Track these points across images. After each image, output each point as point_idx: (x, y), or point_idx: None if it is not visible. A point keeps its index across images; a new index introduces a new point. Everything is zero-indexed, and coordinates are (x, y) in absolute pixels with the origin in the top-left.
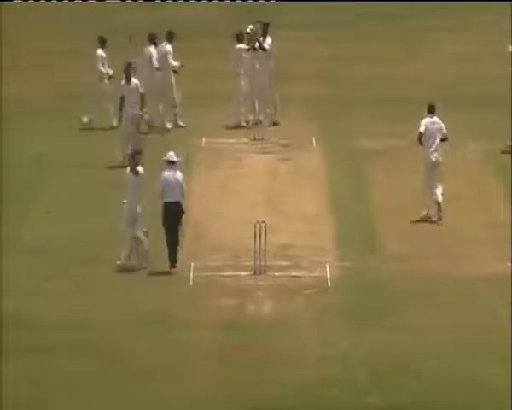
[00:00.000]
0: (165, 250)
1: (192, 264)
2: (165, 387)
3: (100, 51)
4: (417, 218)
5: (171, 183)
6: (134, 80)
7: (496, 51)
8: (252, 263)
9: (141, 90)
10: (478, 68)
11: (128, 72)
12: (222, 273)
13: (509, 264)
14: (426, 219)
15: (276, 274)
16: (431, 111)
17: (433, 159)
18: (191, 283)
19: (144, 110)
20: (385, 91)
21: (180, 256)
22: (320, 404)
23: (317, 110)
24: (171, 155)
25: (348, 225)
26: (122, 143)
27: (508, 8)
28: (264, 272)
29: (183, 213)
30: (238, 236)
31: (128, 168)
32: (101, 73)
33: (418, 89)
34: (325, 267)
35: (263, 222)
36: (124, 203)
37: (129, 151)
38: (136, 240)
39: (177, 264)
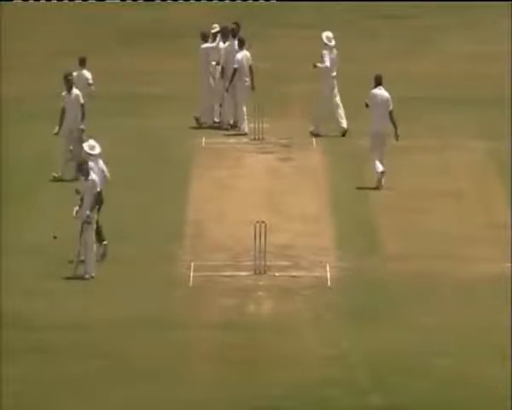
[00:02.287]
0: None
1: (192, 264)
2: (165, 387)
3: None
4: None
5: (93, 172)
6: (75, 91)
7: (501, 51)
8: (252, 263)
9: (81, 101)
10: (483, 68)
11: (68, 82)
12: (222, 273)
13: (509, 264)
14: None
15: (276, 274)
16: (378, 83)
17: (381, 129)
18: (191, 283)
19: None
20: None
21: (180, 256)
22: (320, 404)
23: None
24: (92, 147)
25: (348, 225)
26: (62, 157)
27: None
28: (264, 272)
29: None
30: (238, 236)
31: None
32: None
33: (421, 88)
34: (325, 267)
35: (263, 222)
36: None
37: (71, 162)
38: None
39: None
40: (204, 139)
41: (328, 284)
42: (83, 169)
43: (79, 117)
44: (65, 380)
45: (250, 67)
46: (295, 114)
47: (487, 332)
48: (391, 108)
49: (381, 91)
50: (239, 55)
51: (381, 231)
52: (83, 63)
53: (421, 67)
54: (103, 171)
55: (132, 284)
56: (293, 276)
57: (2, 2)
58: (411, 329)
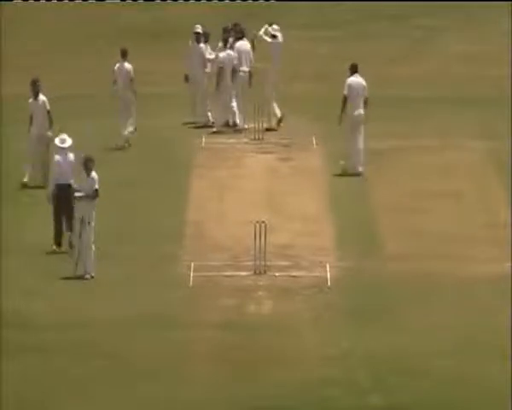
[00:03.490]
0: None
1: (192, 264)
2: (165, 387)
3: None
4: (339, 172)
5: (62, 165)
6: (41, 97)
7: (501, 51)
8: (252, 263)
9: (48, 108)
10: (483, 68)
11: (35, 88)
12: (222, 273)
13: (509, 264)
14: (347, 173)
15: (276, 274)
16: (354, 71)
17: (357, 115)
18: (191, 283)
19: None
20: (387, 91)
21: (180, 256)
22: (320, 404)
23: (317, 110)
24: (63, 140)
25: (348, 225)
26: (28, 163)
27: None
28: (264, 272)
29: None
30: (238, 236)
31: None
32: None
33: (421, 88)
34: (325, 267)
35: (263, 222)
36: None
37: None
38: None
39: (62, 247)
40: (204, 139)
41: (328, 284)
42: (87, 166)
43: (47, 124)
44: (65, 380)
45: (233, 67)
46: (295, 114)
47: (487, 332)
48: (367, 95)
49: (357, 79)
50: (222, 55)
51: (381, 231)
52: (124, 55)
53: (421, 67)
54: (72, 164)
55: (132, 284)
56: (293, 276)
57: (2, 2)
58: (411, 329)
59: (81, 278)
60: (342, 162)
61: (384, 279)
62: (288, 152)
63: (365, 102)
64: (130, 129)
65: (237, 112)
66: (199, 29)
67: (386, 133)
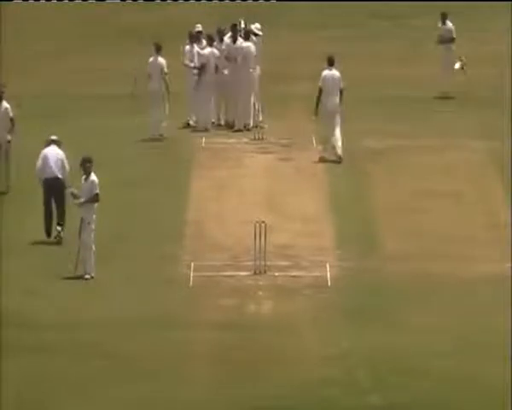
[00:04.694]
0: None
1: (192, 264)
2: (166, 387)
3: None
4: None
5: (50, 159)
6: (4, 104)
7: (501, 51)
8: (252, 263)
9: (10, 115)
10: (483, 68)
11: None
12: (222, 273)
13: (509, 264)
14: (324, 160)
15: (276, 274)
16: (330, 63)
17: (332, 107)
18: (191, 283)
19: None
20: (387, 91)
21: (180, 256)
22: (320, 404)
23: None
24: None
25: (348, 225)
26: None
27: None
28: (265, 272)
29: (64, 188)
30: (238, 236)
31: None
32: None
33: (421, 88)
34: (325, 267)
35: (263, 222)
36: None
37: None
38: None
39: (52, 237)
40: (204, 139)
41: (328, 284)
42: (86, 168)
43: (7, 130)
44: (65, 380)
45: (216, 65)
46: (295, 114)
47: (487, 332)
48: (342, 86)
49: (332, 72)
50: (205, 52)
51: (381, 231)
52: (158, 50)
53: (420, 67)
54: (59, 158)
55: (132, 284)
56: (293, 276)
57: (2, 3)
58: (411, 329)
59: (81, 278)
60: (321, 148)
61: (384, 279)
62: (288, 152)
63: (341, 93)
64: (164, 123)
65: (252, 113)
66: (199, 28)
67: (386, 133)
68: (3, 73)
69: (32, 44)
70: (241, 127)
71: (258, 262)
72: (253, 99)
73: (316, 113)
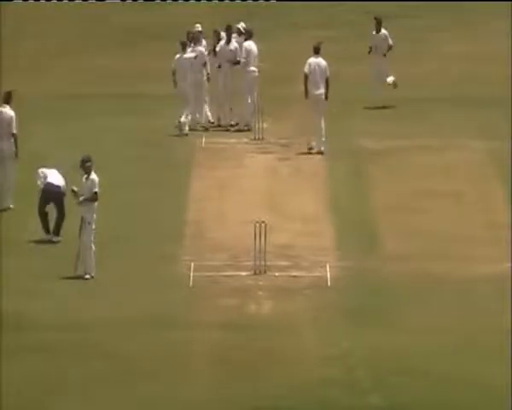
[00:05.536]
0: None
1: (192, 264)
2: (166, 387)
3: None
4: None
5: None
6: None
7: (501, 51)
8: (252, 263)
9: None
10: (482, 68)
11: None
12: (222, 273)
13: (509, 264)
14: (309, 152)
15: (276, 274)
16: (316, 52)
17: (318, 94)
18: (191, 283)
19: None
20: (387, 91)
21: (180, 256)
22: (320, 404)
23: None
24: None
25: (348, 225)
26: None
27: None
28: (265, 272)
29: (63, 196)
30: (238, 236)
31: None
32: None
33: (421, 88)
34: (325, 267)
35: (263, 222)
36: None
37: None
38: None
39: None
40: (204, 139)
41: (328, 284)
42: (86, 167)
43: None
44: (65, 380)
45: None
46: (295, 114)
47: (487, 332)
48: (328, 74)
49: (317, 60)
50: (203, 51)
51: (381, 231)
52: (184, 48)
53: (420, 67)
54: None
55: (132, 284)
56: (293, 276)
57: (2, 3)
58: (411, 329)
59: (81, 278)
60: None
61: (384, 279)
62: (288, 152)
63: (326, 82)
64: (183, 119)
65: (252, 112)
66: (199, 28)
67: (386, 133)
68: (3, 73)
69: (32, 44)
70: (242, 127)
71: (258, 262)
72: (251, 99)
73: (306, 96)
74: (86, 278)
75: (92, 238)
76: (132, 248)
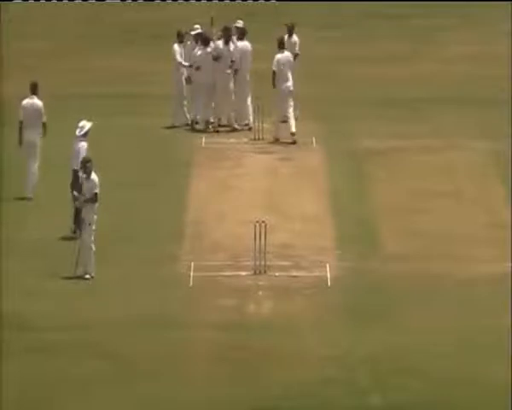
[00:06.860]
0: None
1: (192, 264)
2: (166, 387)
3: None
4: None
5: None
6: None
7: (501, 51)
8: (252, 263)
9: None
10: (483, 68)
11: None
12: (222, 273)
13: (509, 264)
14: (278, 140)
15: (276, 274)
16: (281, 46)
17: (286, 88)
18: (191, 283)
19: None
20: (386, 91)
21: (180, 256)
22: (320, 404)
23: (317, 110)
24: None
25: (348, 225)
26: None
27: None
28: (265, 272)
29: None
30: (238, 236)
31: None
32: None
33: (421, 89)
34: (325, 267)
35: (263, 222)
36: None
37: None
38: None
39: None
40: (204, 139)
41: (328, 284)
42: (86, 168)
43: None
44: (65, 380)
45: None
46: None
47: (487, 332)
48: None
49: (284, 54)
50: (199, 52)
51: (381, 231)
52: (207, 43)
53: (421, 67)
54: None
55: (132, 284)
56: (293, 276)
57: (2, 3)
58: (411, 329)
59: (81, 278)
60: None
61: (384, 279)
62: (287, 152)
63: (293, 75)
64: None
65: (251, 111)
66: (199, 29)
67: (386, 133)
68: (3, 72)
69: (32, 44)
70: (241, 127)
71: (258, 262)
72: (250, 99)
73: (274, 86)
74: (86, 278)
75: (92, 238)
76: (132, 248)
